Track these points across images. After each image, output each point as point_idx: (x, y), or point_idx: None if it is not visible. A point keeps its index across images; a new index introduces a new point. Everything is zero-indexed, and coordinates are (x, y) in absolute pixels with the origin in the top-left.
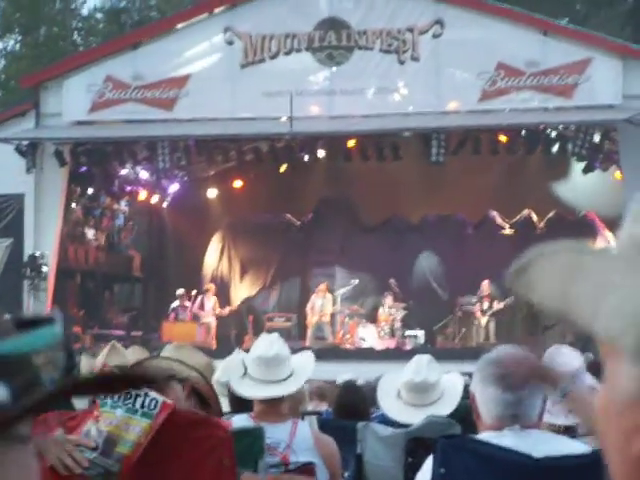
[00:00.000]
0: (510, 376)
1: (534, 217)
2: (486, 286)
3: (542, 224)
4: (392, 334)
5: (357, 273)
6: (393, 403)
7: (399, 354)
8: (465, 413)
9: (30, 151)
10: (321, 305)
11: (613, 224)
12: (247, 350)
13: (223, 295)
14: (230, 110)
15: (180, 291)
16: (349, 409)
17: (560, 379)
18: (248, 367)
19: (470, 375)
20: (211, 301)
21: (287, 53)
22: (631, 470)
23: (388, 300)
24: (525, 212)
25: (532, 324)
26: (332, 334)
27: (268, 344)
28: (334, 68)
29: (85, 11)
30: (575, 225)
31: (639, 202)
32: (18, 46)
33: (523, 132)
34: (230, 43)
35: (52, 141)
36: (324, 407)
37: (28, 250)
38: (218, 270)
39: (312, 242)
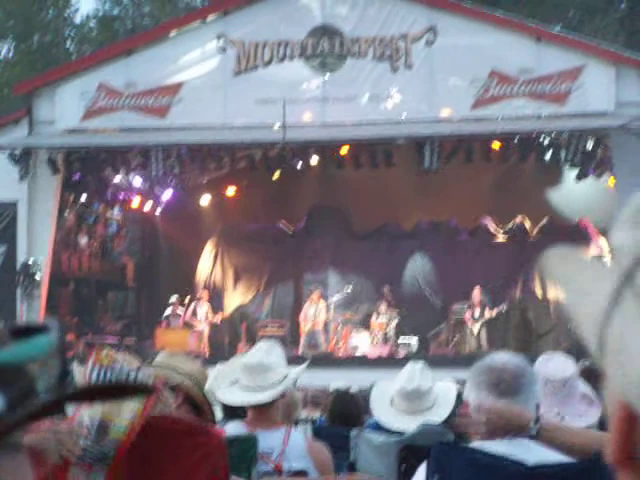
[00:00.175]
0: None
1: (527, 224)
2: (477, 293)
3: (535, 231)
4: (385, 341)
5: (350, 280)
6: (386, 410)
7: (392, 361)
8: None
9: (23, 158)
10: (314, 312)
11: (606, 232)
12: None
13: (216, 302)
14: (223, 117)
15: (173, 298)
16: (342, 416)
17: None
18: (235, 375)
19: (463, 382)
20: (203, 308)
21: (280, 60)
22: None
23: (381, 307)
24: (518, 219)
25: (525, 331)
26: (325, 341)
27: (255, 352)
28: (327, 75)
29: (78, 19)
30: (568, 232)
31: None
32: (11, 53)
33: (516, 139)
34: (223, 50)
35: (45, 148)
36: (318, 414)
37: (21, 257)
38: (211, 277)
39: (305, 249)
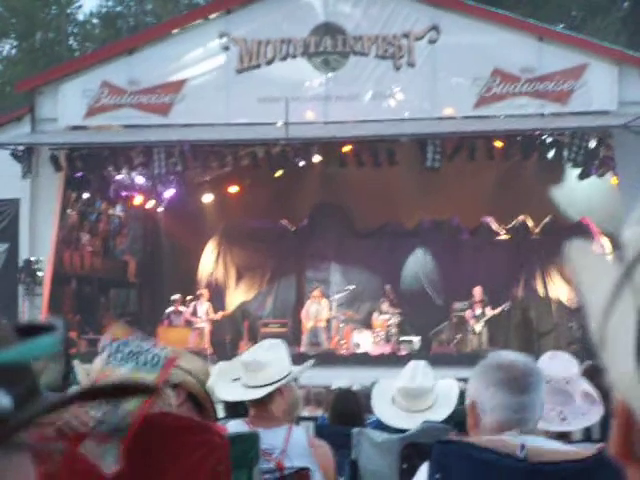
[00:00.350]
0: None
1: (530, 223)
2: (478, 292)
3: (538, 230)
4: (387, 339)
5: (352, 279)
6: (388, 409)
7: (394, 360)
8: (460, 419)
9: (26, 156)
10: (316, 311)
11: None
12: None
13: (218, 300)
14: (225, 115)
15: (175, 296)
16: (344, 415)
17: None
18: (235, 372)
19: (465, 381)
20: (204, 306)
21: (283, 58)
22: None
23: (383, 306)
24: (521, 218)
25: (526, 330)
26: (327, 340)
27: (255, 349)
28: (330, 74)
29: (81, 16)
30: (571, 231)
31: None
32: (14, 51)
33: (519, 138)
34: (226, 48)
35: (48, 146)
36: (320, 413)
37: (23, 255)
38: (213, 275)
39: (307, 247)
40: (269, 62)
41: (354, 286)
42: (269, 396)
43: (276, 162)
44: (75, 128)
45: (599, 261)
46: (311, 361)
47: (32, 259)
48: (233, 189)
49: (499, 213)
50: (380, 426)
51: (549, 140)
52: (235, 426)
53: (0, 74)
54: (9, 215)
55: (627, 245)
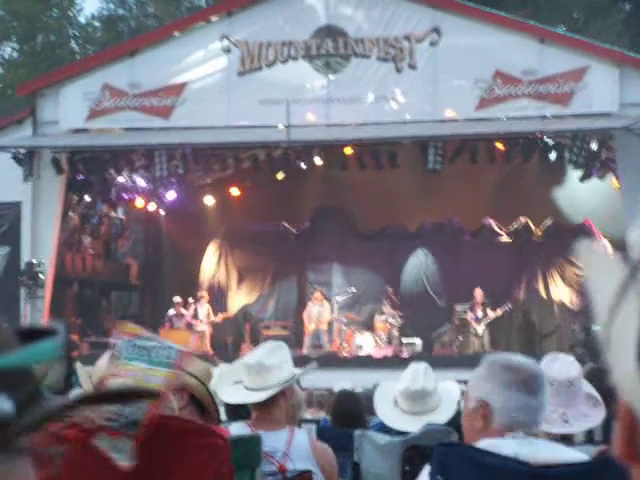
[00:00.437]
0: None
1: (531, 225)
2: (479, 294)
3: (539, 232)
4: (389, 342)
5: (354, 281)
6: (390, 411)
7: (396, 362)
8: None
9: (27, 159)
10: (318, 313)
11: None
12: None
13: (220, 303)
14: (227, 118)
15: (177, 299)
16: (346, 417)
17: None
18: (238, 375)
19: (467, 383)
20: (204, 309)
21: (284, 61)
22: None
23: (385, 308)
24: (522, 220)
25: (528, 332)
26: (329, 342)
27: (257, 352)
28: (331, 76)
29: (82, 19)
30: (572, 233)
31: None
32: (15, 54)
33: (520, 140)
34: (227, 51)
35: (49, 149)
36: (322, 415)
37: (25, 258)
38: (215, 278)
39: (309, 250)
40: (270, 65)
41: (356, 288)
42: (272, 399)
43: (277, 165)
44: (76, 131)
45: (606, 261)
46: (315, 364)
47: (34, 262)
48: (234, 192)
49: (500, 215)
50: (382, 428)
51: (550, 142)
52: (237, 429)
53: (1, 77)
54: (11, 218)
55: (632, 247)
